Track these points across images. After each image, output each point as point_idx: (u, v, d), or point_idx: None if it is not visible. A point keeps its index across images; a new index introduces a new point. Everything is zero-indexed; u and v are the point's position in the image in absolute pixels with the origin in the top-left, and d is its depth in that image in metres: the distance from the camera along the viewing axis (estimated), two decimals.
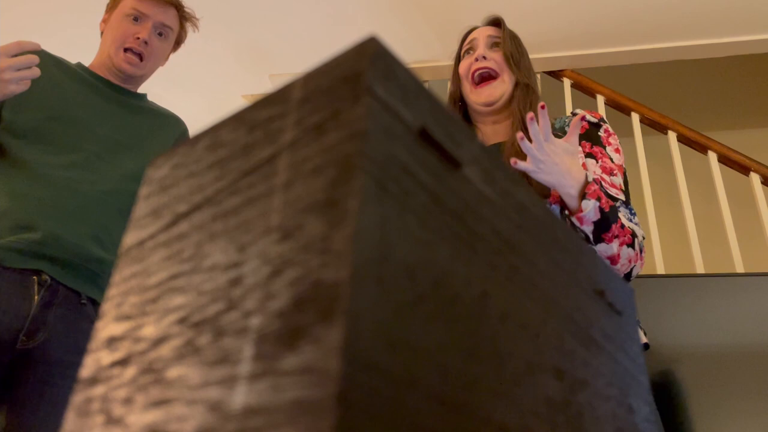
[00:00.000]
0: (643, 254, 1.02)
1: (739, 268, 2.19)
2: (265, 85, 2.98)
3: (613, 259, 1.00)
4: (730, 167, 2.50)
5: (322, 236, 0.20)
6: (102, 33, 1.37)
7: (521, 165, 0.93)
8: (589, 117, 1.13)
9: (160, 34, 1.35)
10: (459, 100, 1.24)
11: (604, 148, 1.09)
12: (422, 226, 0.22)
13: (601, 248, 0.99)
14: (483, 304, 0.24)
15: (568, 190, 0.93)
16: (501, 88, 1.16)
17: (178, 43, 1.44)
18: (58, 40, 2.63)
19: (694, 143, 2.52)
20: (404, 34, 2.66)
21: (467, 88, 1.20)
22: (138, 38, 1.30)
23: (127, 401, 0.23)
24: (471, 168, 0.27)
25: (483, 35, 1.22)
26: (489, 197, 0.27)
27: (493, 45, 1.20)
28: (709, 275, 2.09)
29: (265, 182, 0.24)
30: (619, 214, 0.98)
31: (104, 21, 1.37)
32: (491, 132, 1.19)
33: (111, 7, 1.36)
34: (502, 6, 2.46)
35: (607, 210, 0.95)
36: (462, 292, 0.23)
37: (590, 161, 1.08)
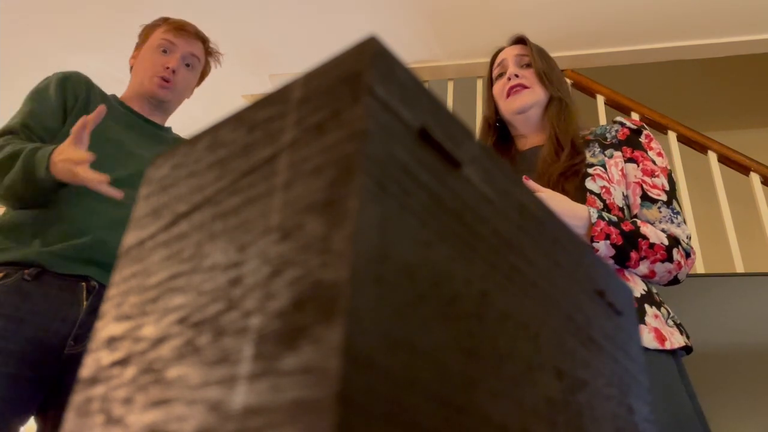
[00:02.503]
0: (691, 256, 1.03)
1: (739, 268, 2.19)
2: (265, 85, 2.98)
3: (648, 276, 1.02)
4: (730, 167, 2.50)
5: (322, 236, 0.20)
6: (132, 68, 1.45)
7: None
8: (629, 124, 1.16)
9: (187, 65, 1.43)
10: (495, 123, 1.28)
11: (646, 152, 1.11)
12: (422, 226, 0.22)
13: (632, 271, 1.00)
14: (483, 304, 0.24)
15: (576, 230, 0.96)
16: (532, 96, 1.19)
17: (202, 76, 1.52)
18: (58, 39, 2.64)
19: (694, 143, 2.53)
20: (404, 34, 2.66)
21: (502, 105, 1.23)
22: (167, 68, 1.38)
23: (127, 401, 0.23)
24: (471, 168, 0.27)
25: (511, 55, 1.26)
26: (489, 197, 0.27)
27: (524, 65, 1.24)
28: (709, 275, 2.08)
29: (265, 182, 0.24)
30: (646, 231, 0.99)
31: (134, 57, 1.45)
32: (530, 145, 1.23)
33: (140, 44, 1.45)
34: (503, 6, 2.46)
35: (620, 243, 0.97)
36: (462, 292, 0.23)
37: (631, 165, 1.10)
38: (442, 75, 2.82)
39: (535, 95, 1.19)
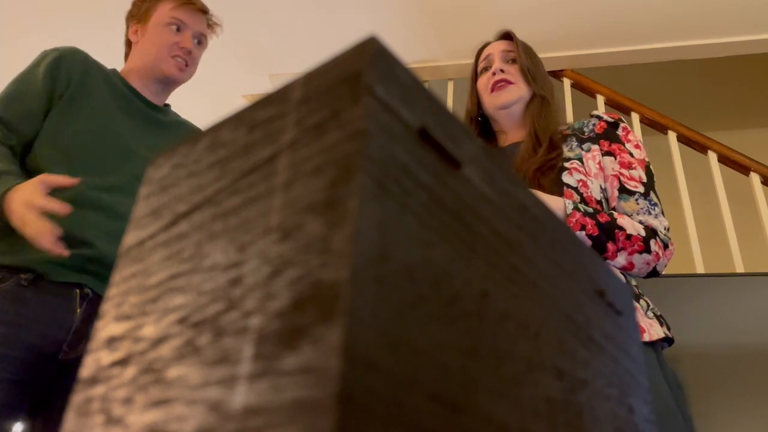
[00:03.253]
0: (669, 247, 1.03)
1: (739, 268, 2.19)
2: (265, 85, 2.98)
3: (626, 268, 1.02)
4: (730, 167, 2.50)
5: (322, 236, 0.20)
6: (134, 43, 1.38)
7: None
8: (606, 117, 1.17)
9: (198, 42, 1.39)
10: (477, 117, 1.28)
11: (623, 144, 1.12)
12: (422, 226, 0.22)
13: (609, 263, 1.00)
14: (483, 304, 0.24)
15: None
16: (516, 92, 1.20)
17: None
18: (58, 39, 2.64)
19: (694, 143, 2.52)
20: (404, 34, 2.66)
21: (486, 99, 1.24)
22: (183, 47, 1.33)
23: (127, 401, 0.23)
24: (471, 168, 0.27)
25: (497, 50, 1.26)
26: (489, 197, 0.27)
27: (509, 60, 1.25)
28: (709, 275, 2.08)
29: (265, 182, 0.24)
30: (622, 222, 0.99)
31: (135, 32, 1.38)
32: (510, 141, 1.23)
33: (142, 17, 1.37)
34: (503, 6, 2.46)
35: (596, 233, 0.97)
36: (462, 292, 0.23)
37: (608, 158, 1.10)
38: (442, 75, 2.82)
39: (520, 91, 1.20)
